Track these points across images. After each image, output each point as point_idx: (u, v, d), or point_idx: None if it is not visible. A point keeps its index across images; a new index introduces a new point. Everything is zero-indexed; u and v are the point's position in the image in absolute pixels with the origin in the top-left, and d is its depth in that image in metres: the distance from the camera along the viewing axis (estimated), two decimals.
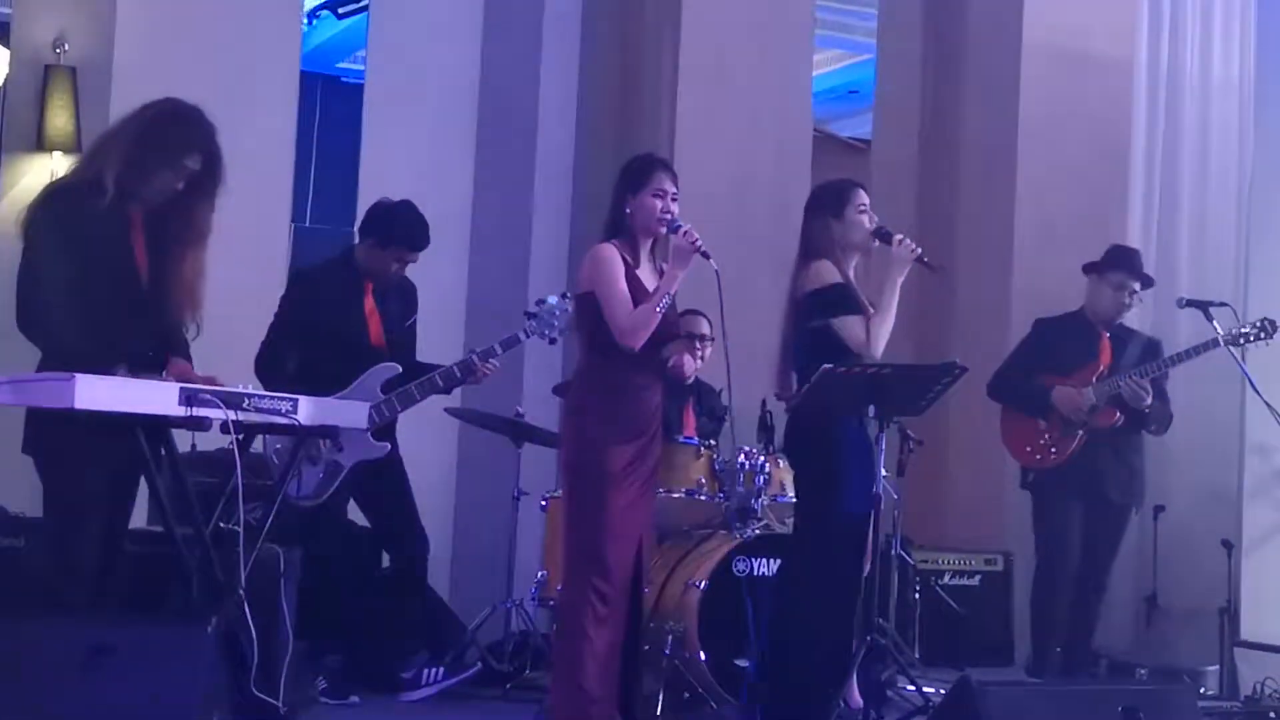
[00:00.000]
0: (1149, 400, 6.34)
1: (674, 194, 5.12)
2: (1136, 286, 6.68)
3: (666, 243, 5.13)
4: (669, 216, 5.09)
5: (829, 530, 5.33)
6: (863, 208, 5.51)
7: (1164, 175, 8.18)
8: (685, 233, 5.02)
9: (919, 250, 5.43)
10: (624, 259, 5.08)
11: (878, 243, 5.51)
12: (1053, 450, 6.46)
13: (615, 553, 4.97)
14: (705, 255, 5.03)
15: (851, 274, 5.51)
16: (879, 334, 5.36)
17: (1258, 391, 6.56)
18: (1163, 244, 8.12)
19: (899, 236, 5.45)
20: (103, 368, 4.33)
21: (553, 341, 6.16)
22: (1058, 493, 6.52)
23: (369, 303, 6.08)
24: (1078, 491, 6.47)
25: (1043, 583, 6.65)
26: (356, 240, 6.19)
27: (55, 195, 4.66)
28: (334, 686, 5.80)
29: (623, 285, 5.03)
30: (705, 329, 6.60)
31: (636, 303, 5.02)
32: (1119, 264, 6.70)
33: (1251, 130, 7.86)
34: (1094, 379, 6.43)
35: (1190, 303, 6.73)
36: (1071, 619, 6.50)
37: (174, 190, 4.66)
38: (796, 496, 5.72)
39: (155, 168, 4.62)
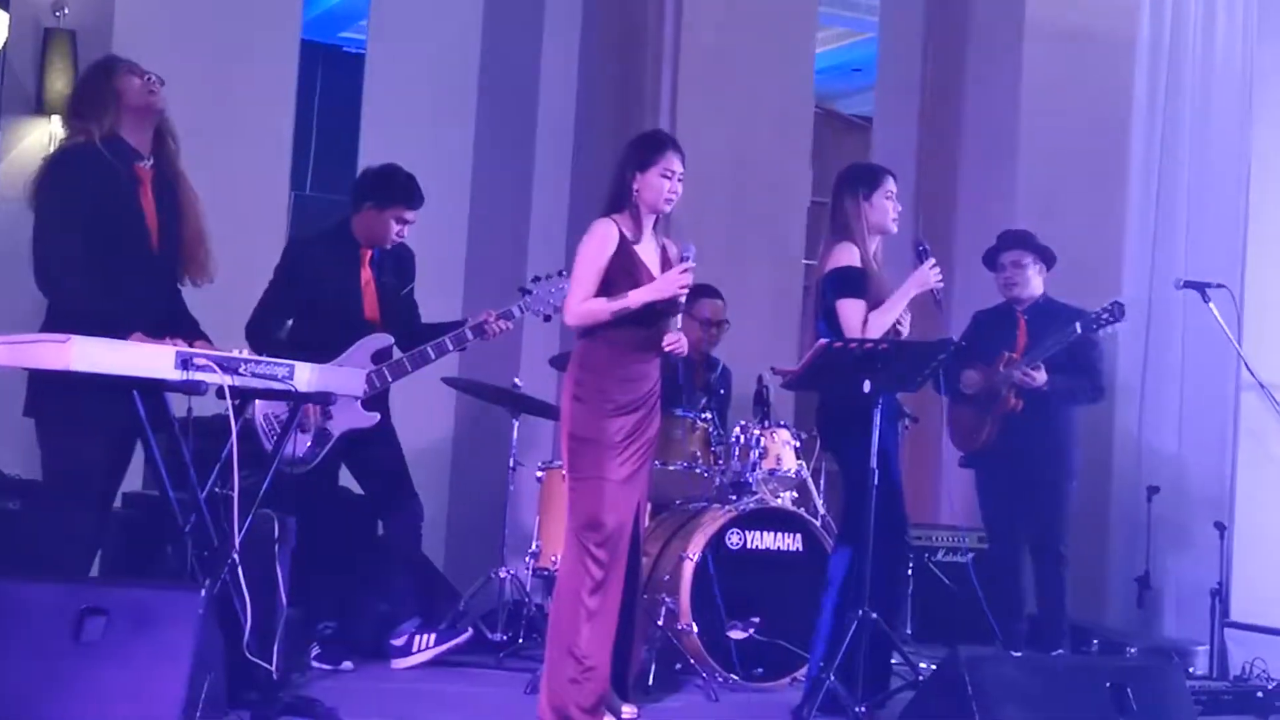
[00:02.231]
0: (1039, 381, 6.35)
1: (680, 174, 5.14)
2: (1022, 259, 6.65)
3: (667, 220, 5.16)
4: (673, 198, 5.12)
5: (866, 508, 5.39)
6: (890, 194, 5.64)
7: (1164, 156, 8.16)
8: (684, 272, 5.04)
9: (941, 283, 5.58)
10: (623, 234, 5.08)
11: (896, 247, 5.64)
12: (974, 434, 6.53)
13: (613, 522, 4.98)
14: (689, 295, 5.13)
15: (871, 255, 5.58)
16: (875, 326, 5.44)
17: (1253, 374, 6.59)
18: (1162, 225, 8.11)
19: (932, 260, 5.59)
20: (118, 331, 4.36)
21: (547, 319, 6.17)
22: (986, 474, 6.62)
23: (365, 273, 6.08)
24: (1002, 471, 6.55)
25: (986, 559, 6.77)
26: (351, 209, 6.15)
27: (62, 157, 4.68)
28: (327, 653, 5.84)
29: (597, 268, 5.03)
30: (721, 314, 6.66)
31: (633, 276, 5.03)
32: (994, 248, 6.78)
33: (1252, 111, 7.86)
34: (1001, 366, 6.45)
35: (1188, 284, 6.74)
36: (1038, 594, 6.54)
37: (154, 95, 4.77)
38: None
39: (121, 84, 4.72)
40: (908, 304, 5.60)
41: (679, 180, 5.11)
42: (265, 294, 6.06)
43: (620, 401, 5.03)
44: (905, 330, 5.67)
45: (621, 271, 5.05)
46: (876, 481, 5.29)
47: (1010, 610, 6.48)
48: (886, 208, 5.60)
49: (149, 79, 4.77)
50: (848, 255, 5.53)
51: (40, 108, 7.07)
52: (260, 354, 4.93)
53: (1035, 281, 6.68)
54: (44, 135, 7.00)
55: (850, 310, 5.46)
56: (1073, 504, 6.58)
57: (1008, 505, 6.58)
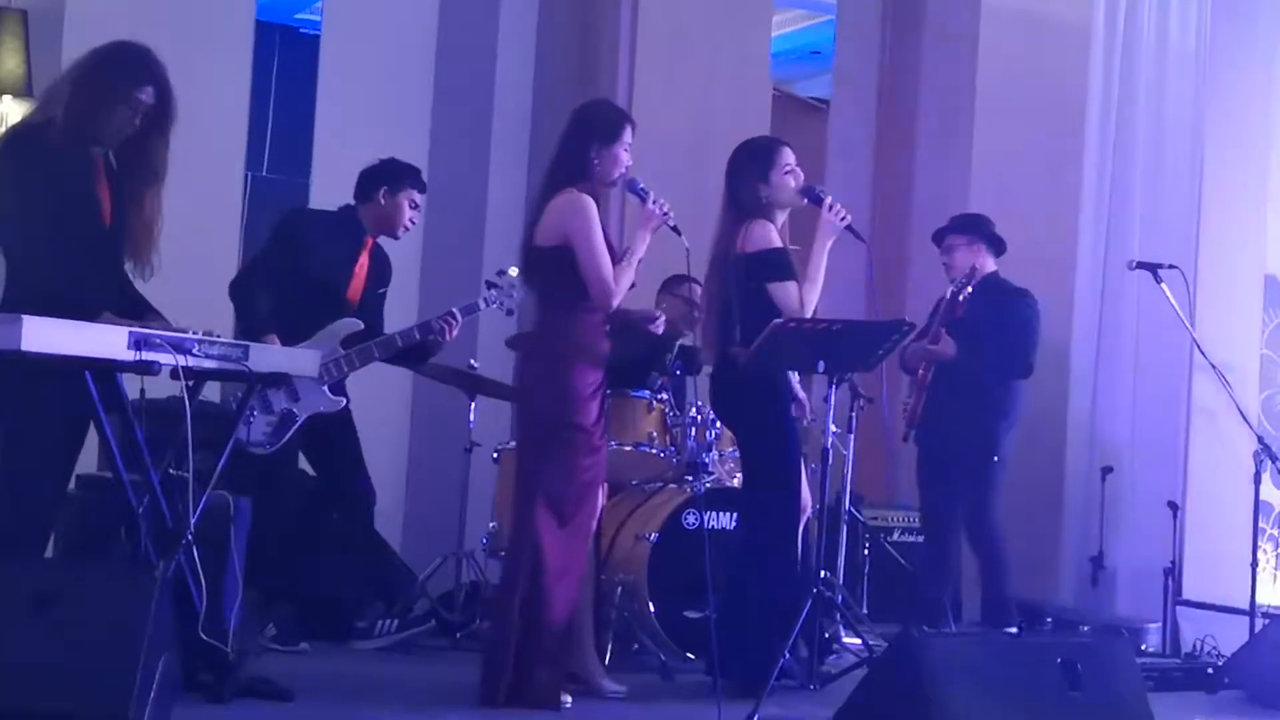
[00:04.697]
0: (941, 352, 6.45)
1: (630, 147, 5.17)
2: (955, 241, 6.74)
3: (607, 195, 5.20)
4: (626, 173, 5.15)
5: (788, 479, 5.45)
6: (789, 168, 5.58)
7: (1118, 139, 8.22)
8: (658, 204, 5.05)
9: (848, 219, 5.51)
10: None
11: (806, 201, 5.56)
12: (910, 409, 6.67)
13: (582, 503, 5.04)
14: (677, 231, 5.08)
15: (781, 230, 5.58)
16: (811, 301, 5.45)
17: (1205, 356, 6.66)
18: (1115, 207, 8.15)
19: (829, 200, 5.51)
20: (87, 312, 4.34)
21: (510, 313, 6.21)
22: (919, 447, 6.74)
23: (364, 259, 6.12)
24: (930, 445, 6.63)
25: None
26: (357, 201, 6.18)
27: (16, 138, 4.63)
28: (284, 634, 5.83)
29: (603, 240, 4.99)
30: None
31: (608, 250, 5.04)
32: (940, 230, 6.90)
33: (1205, 96, 7.91)
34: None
35: (1141, 265, 6.83)
36: (979, 571, 6.61)
37: (132, 127, 4.62)
38: (744, 453, 5.75)
39: (107, 104, 4.57)
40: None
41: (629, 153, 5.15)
42: (259, 254, 6.07)
43: (592, 384, 5.04)
44: None
45: None
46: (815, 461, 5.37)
47: (935, 583, 6.57)
48: (786, 183, 5.55)
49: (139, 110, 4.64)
50: (769, 235, 5.49)
51: None
52: (241, 313, 4.93)
53: (976, 261, 6.68)
54: None
55: (788, 294, 5.44)
56: (996, 479, 6.60)
57: (933, 479, 6.66)
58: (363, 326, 6.00)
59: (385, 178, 6.15)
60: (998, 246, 6.77)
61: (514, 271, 6.06)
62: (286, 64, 9.92)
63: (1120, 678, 4.61)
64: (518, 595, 4.98)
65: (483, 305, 6.10)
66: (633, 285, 5.20)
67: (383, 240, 6.31)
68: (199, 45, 7.23)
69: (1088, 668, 4.51)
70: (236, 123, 7.61)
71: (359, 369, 6.00)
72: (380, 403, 7.25)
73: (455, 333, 6.04)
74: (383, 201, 6.11)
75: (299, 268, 5.97)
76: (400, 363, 6.30)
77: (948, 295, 6.49)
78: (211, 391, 5.31)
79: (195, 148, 7.01)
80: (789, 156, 5.57)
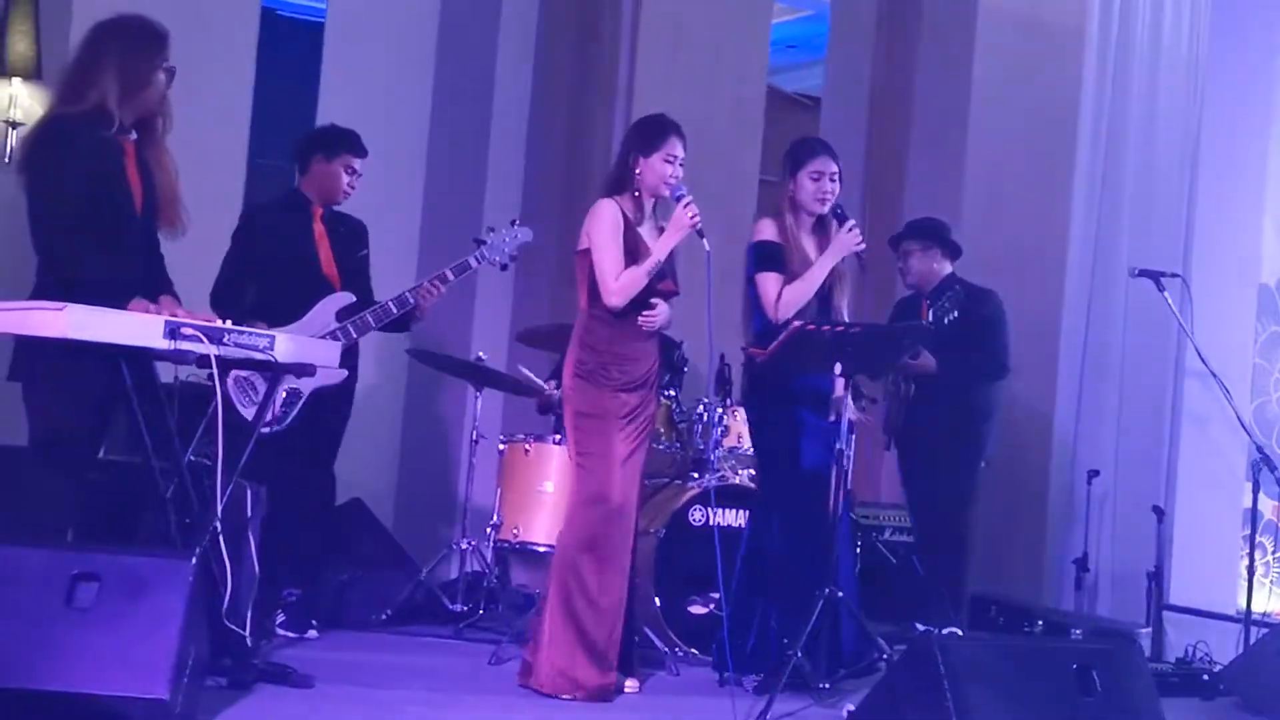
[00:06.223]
0: (922, 365, 6.41)
1: (682, 159, 5.22)
2: (909, 247, 6.74)
3: (665, 204, 5.24)
4: (674, 182, 5.20)
5: (769, 492, 5.54)
6: (816, 175, 5.61)
7: (1110, 146, 8.28)
8: (687, 206, 5.10)
9: (862, 244, 5.56)
10: (625, 215, 5.15)
11: (827, 213, 5.62)
12: (891, 418, 6.66)
13: (619, 498, 5.11)
14: (700, 234, 5.12)
15: (803, 233, 5.61)
16: (790, 300, 5.50)
17: (1205, 362, 6.70)
18: (1105, 214, 8.22)
19: (851, 223, 5.57)
20: (119, 299, 4.36)
21: (504, 268, 6.19)
22: (901, 455, 6.77)
23: (318, 228, 6.08)
24: (913, 452, 6.66)
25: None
26: (297, 172, 6.17)
27: (59, 124, 4.61)
28: (292, 620, 5.84)
29: (617, 245, 5.13)
30: None
31: (636, 258, 5.09)
32: (894, 237, 6.90)
33: (1199, 102, 7.95)
34: None
35: (1143, 273, 6.87)
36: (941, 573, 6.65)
37: (165, 90, 4.75)
38: (757, 451, 5.80)
39: (150, 79, 4.69)
40: (850, 285, 5.71)
41: (680, 165, 5.19)
42: (225, 264, 6.04)
43: (622, 380, 5.14)
44: (844, 310, 5.72)
45: (626, 252, 5.12)
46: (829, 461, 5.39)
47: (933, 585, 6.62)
48: (809, 189, 5.62)
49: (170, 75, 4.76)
50: (766, 230, 5.61)
51: (1, 70, 6.90)
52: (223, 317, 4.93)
53: (934, 266, 6.71)
54: (4, 98, 6.85)
55: (766, 284, 5.54)
56: (980, 480, 6.67)
57: (920, 485, 6.71)
58: (355, 299, 5.96)
59: (318, 145, 6.12)
60: (954, 251, 6.78)
61: (503, 227, 6.05)
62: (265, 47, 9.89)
63: (1134, 684, 4.67)
64: (569, 584, 5.09)
65: (474, 263, 6.04)
66: (675, 291, 5.26)
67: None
68: (204, 30, 7.19)
69: (1102, 673, 4.57)
70: (240, 108, 7.57)
71: (357, 339, 5.97)
72: (374, 390, 7.25)
73: (445, 290, 6.00)
74: (317, 169, 6.08)
75: (263, 259, 5.97)
76: (398, 329, 6.26)
77: (931, 313, 6.46)
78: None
79: (198, 131, 7.02)
80: (820, 164, 5.63)
